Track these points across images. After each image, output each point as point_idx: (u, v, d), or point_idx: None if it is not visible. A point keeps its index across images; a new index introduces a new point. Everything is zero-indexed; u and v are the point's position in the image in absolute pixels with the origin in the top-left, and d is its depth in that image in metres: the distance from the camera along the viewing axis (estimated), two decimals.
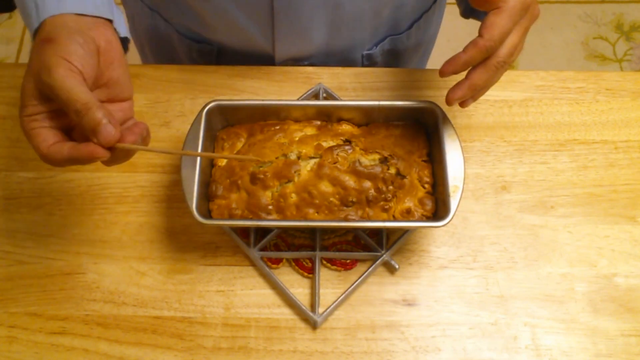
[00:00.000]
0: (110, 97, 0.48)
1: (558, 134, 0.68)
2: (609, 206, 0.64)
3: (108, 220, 0.63)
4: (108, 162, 0.47)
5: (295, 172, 0.57)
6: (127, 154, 0.47)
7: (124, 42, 0.53)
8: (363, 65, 0.77)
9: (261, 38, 0.70)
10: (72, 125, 0.47)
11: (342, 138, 0.60)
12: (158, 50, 0.82)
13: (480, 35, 0.49)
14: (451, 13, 0.99)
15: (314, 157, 0.58)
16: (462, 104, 0.54)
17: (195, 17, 0.70)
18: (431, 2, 0.78)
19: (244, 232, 0.61)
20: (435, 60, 0.89)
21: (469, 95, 0.52)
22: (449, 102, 0.52)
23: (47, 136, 0.45)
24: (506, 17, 0.49)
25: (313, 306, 0.58)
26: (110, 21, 0.50)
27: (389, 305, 0.59)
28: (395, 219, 0.57)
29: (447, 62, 0.50)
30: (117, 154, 0.46)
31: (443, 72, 0.51)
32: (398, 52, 0.79)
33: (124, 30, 0.52)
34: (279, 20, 0.66)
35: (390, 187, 0.57)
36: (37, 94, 0.45)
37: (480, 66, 0.51)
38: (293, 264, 0.61)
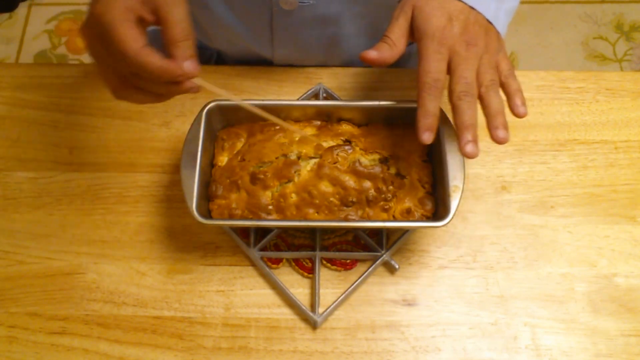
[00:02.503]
0: None
1: (558, 134, 0.68)
2: (609, 206, 0.64)
3: (108, 220, 0.63)
4: (182, 89, 0.48)
5: (295, 172, 0.57)
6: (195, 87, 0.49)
7: None
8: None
9: (260, 48, 0.69)
10: None
11: (342, 138, 0.60)
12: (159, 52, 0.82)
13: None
14: None
15: (314, 157, 0.58)
16: (501, 139, 0.51)
17: (194, 24, 0.70)
18: None
19: (244, 232, 0.61)
20: None
21: (473, 133, 0.49)
22: (499, 140, 0.50)
23: (140, 36, 0.44)
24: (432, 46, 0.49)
25: (313, 306, 0.58)
26: None
27: (389, 305, 0.59)
28: (395, 219, 0.57)
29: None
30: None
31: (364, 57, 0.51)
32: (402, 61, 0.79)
33: None
34: (278, 29, 0.66)
35: (390, 187, 0.57)
36: None
37: (462, 107, 0.49)
38: (293, 264, 0.61)
